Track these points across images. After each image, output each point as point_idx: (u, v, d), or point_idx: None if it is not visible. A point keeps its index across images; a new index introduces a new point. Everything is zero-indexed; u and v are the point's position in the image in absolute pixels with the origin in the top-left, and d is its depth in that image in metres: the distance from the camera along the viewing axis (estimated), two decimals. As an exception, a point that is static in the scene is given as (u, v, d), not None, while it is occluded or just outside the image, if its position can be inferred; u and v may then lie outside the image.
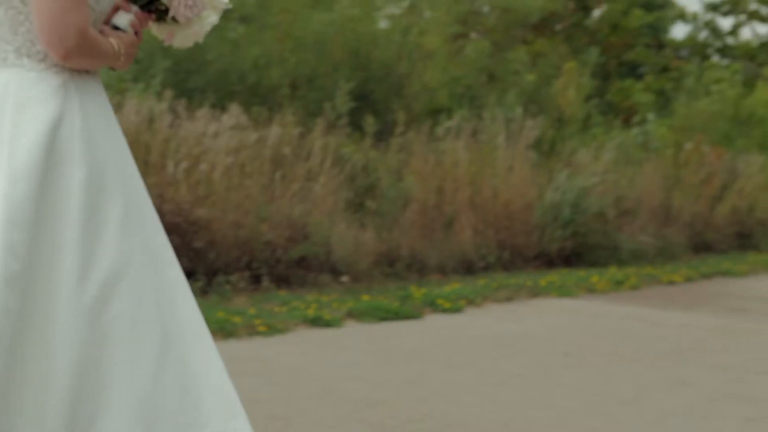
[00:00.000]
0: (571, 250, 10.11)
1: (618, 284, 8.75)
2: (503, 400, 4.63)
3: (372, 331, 6.19)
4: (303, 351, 5.49)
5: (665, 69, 20.86)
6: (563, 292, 8.09)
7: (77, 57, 2.19)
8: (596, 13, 20.73)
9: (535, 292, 8.05)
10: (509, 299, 7.78)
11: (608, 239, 10.36)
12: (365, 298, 7.03)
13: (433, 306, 7.10)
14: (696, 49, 21.94)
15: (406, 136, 9.36)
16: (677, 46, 22.42)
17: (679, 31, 52.53)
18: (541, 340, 6.20)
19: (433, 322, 6.72)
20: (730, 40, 21.78)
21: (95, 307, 2.12)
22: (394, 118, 9.44)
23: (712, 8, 21.62)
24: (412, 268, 8.79)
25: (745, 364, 5.68)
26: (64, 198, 2.15)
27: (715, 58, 21.96)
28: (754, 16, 21.18)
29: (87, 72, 2.26)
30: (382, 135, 9.38)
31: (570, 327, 6.70)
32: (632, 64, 22.83)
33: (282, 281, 7.43)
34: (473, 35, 12.83)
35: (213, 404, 2.20)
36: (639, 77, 22.91)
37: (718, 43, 21.90)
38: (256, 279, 7.27)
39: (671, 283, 9.20)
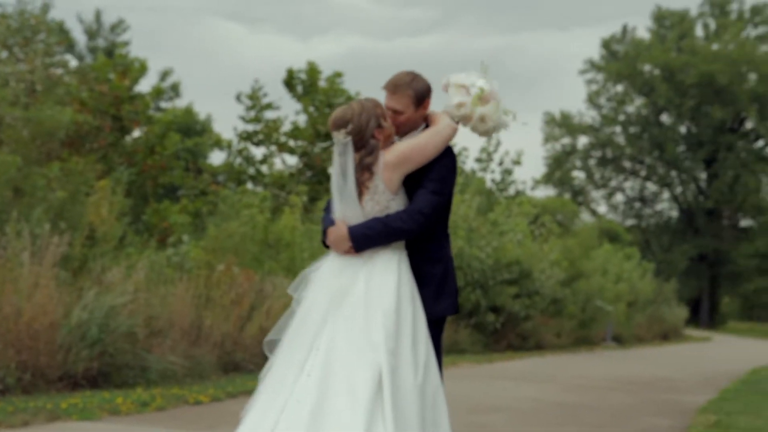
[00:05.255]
0: (98, 371, 9.83)
1: (144, 405, 8.61)
2: None
3: None
4: None
5: (203, 192, 21.41)
6: (85, 414, 7.80)
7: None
8: (136, 133, 20.89)
9: (56, 416, 7.69)
10: (26, 424, 7.35)
11: (137, 359, 10.23)
12: None
13: (-64, 435, 6.50)
14: (231, 175, 22.82)
15: None
16: (214, 171, 23.19)
17: (217, 157, 54.49)
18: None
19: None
20: (264, 168, 22.93)
21: (422, 386, 4.30)
22: None
23: (246, 137, 22.71)
24: None
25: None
26: (405, 321, 4.34)
27: (249, 185, 22.97)
28: (284, 147, 22.56)
29: (402, 248, 4.55)
30: None
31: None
32: (170, 186, 23.18)
33: None
34: (4, 148, 12.26)
35: None
36: (177, 199, 23.29)
37: (251, 170, 22.96)
38: None
39: (198, 403, 9.24)
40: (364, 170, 4.44)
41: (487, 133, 4.74)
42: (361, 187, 4.46)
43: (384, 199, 4.46)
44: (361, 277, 4.41)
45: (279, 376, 4.33)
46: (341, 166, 4.45)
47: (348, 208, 4.46)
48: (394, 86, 4.61)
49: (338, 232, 4.50)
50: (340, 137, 4.43)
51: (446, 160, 4.61)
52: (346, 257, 4.48)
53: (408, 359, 4.28)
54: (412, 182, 4.59)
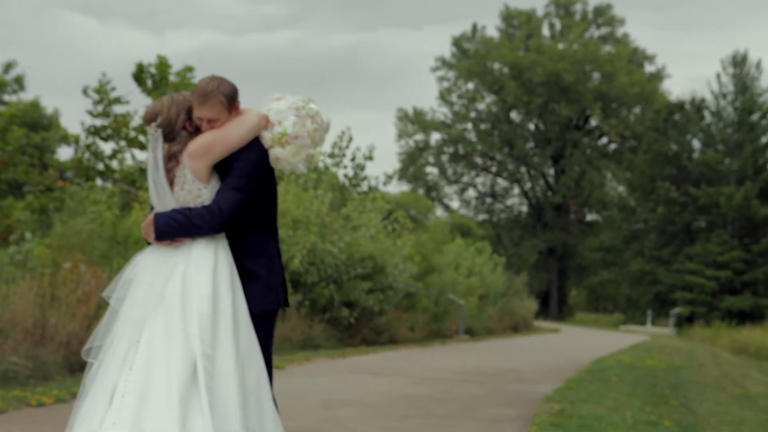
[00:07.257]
0: (-66, 375, 9.42)
1: (-18, 409, 8.30)
2: None
3: None
4: None
5: (49, 189, 20.75)
6: None
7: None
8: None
9: None
10: None
11: (-24, 362, 9.84)
12: None
13: None
14: (80, 171, 22.21)
15: None
16: (62, 167, 22.52)
17: (65, 153, 53.00)
18: None
19: None
20: (113, 164, 22.39)
21: (243, 373, 4.37)
22: None
23: (94, 132, 22.13)
24: None
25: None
26: (224, 308, 4.40)
27: (99, 181, 22.40)
28: (134, 142, 22.08)
29: (222, 236, 4.58)
30: None
31: None
32: (14, 182, 22.37)
33: None
34: None
35: None
36: (21, 196, 22.49)
37: (100, 166, 22.39)
38: None
39: (41, 404, 8.97)
40: (171, 159, 4.56)
41: (279, 166, 4.67)
42: (169, 176, 4.57)
43: (195, 188, 4.55)
44: (179, 267, 4.49)
45: (104, 373, 4.36)
46: (154, 157, 4.58)
47: (162, 198, 4.58)
48: (202, 96, 4.47)
49: (147, 220, 4.55)
50: (151, 130, 4.56)
51: (252, 155, 4.49)
52: (166, 249, 4.56)
53: (228, 346, 4.35)
54: (225, 171, 4.54)
